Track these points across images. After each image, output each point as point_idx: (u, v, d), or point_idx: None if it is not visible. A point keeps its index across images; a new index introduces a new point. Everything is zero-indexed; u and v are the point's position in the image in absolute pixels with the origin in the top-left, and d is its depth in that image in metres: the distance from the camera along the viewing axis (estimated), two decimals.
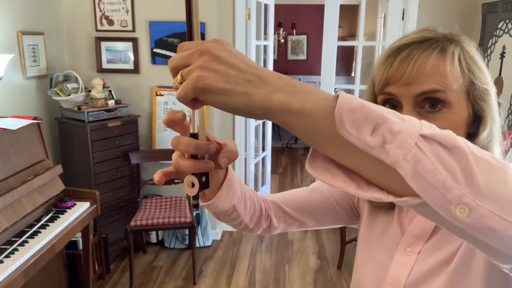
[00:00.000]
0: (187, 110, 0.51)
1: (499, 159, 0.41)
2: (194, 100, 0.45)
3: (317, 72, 5.70)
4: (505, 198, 0.38)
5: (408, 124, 0.39)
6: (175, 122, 0.52)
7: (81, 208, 2.29)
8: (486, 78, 0.68)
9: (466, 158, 0.38)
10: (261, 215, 0.82)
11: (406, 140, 0.38)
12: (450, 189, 0.37)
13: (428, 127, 0.39)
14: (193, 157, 0.51)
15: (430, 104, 0.65)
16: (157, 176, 0.54)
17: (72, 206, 2.30)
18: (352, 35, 7.36)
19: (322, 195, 0.90)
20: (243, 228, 0.80)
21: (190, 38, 0.48)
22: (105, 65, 3.24)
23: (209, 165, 0.51)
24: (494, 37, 2.76)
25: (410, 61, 0.65)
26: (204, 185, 0.52)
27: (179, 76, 0.44)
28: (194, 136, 0.50)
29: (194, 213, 3.03)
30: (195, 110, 0.49)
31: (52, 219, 2.13)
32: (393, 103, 0.69)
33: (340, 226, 0.94)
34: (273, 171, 5.32)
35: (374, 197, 0.40)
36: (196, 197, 0.52)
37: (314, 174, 0.44)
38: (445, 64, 0.64)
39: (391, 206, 0.81)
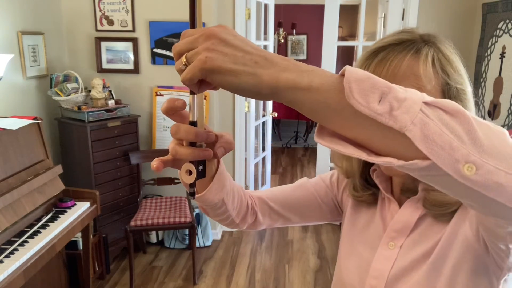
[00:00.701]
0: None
1: None
2: (199, 82, 0.46)
3: None
4: (508, 155, 0.40)
5: (411, 93, 0.42)
6: (175, 110, 0.53)
7: (81, 208, 2.29)
8: (461, 78, 0.70)
9: (468, 121, 0.40)
10: (247, 210, 0.84)
11: (411, 106, 0.40)
12: (457, 149, 0.39)
13: (429, 96, 0.42)
14: (191, 145, 0.51)
15: None
16: (155, 163, 0.55)
17: (72, 206, 2.30)
18: (352, 35, 7.37)
19: (307, 192, 0.92)
20: (229, 223, 0.81)
21: (193, 26, 0.48)
22: (105, 65, 3.24)
23: (208, 152, 0.52)
24: (494, 37, 2.76)
25: (386, 63, 0.67)
26: (201, 174, 0.53)
27: (183, 59, 0.45)
28: (193, 124, 0.51)
29: (194, 213, 3.03)
30: (195, 99, 0.50)
31: (52, 219, 2.13)
32: None
33: (324, 222, 0.96)
34: (273, 171, 5.32)
35: (385, 162, 0.42)
36: (193, 185, 0.53)
37: (325, 144, 0.45)
38: (419, 65, 0.66)
39: (373, 201, 0.84)
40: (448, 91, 0.68)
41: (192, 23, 0.48)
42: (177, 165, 0.58)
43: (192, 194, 0.56)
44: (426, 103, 0.40)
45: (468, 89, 0.70)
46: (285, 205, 0.90)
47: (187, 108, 0.53)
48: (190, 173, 0.51)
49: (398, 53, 0.67)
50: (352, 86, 0.41)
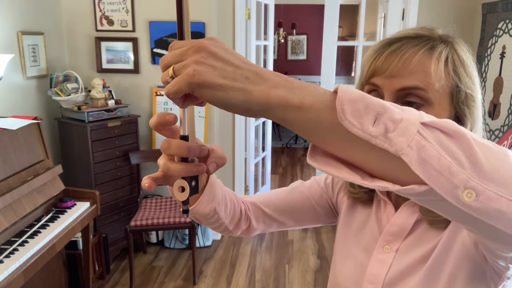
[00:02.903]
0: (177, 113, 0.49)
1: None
2: (184, 97, 0.44)
3: (317, 72, 5.70)
4: (510, 180, 0.38)
5: (408, 113, 0.39)
6: (166, 125, 0.50)
7: (81, 208, 2.29)
8: (472, 83, 0.67)
9: (468, 143, 0.38)
10: (241, 216, 0.82)
11: (408, 127, 0.38)
12: (456, 174, 0.36)
13: (427, 116, 0.39)
14: (183, 160, 0.49)
15: (410, 100, 0.65)
16: (146, 182, 0.52)
17: (72, 206, 2.30)
18: (352, 35, 7.37)
19: (301, 195, 0.90)
20: (223, 230, 0.79)
21: (181, 38, 0.46)
22: (105, 65, 3.24)
23: (201, 167, 0.50)
24: (494, 37, 2.76)
25: (398, 55, 0.65)
26: (194, 190, 0.50)
27: (170, 70, 0.43)
28: (185, 138, 0.49)
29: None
30: (185, 112, 0.48)
31: (52, 219, 2.13)
32: (377, 96, 0.68)
33: (319, 225, 0.94)
34: (273, 171, 5.31)
35: (380, 187, 0.40)
36: (186, 202, 0.50)
37: (318, 167, 0.43)
38: (430, 62, 0.64)
39: (369, 199, 0.82)
40: (456, 95, 0.66)
41: (180, 34, 0.46)
42: (168, 182, 0.55)
43: (185, 212, 0.52)
44: (423, 124, 0.38)
45: (478, 96, 0.68)
46: (279, 210, 0.88)
47: (178, 123, 0.50)
48: (183, 189, 0.49)
49: (412, 47, 0.65)
50: (345, 107, 0.38)
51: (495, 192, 0.37)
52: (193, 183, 0.50)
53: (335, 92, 0.41)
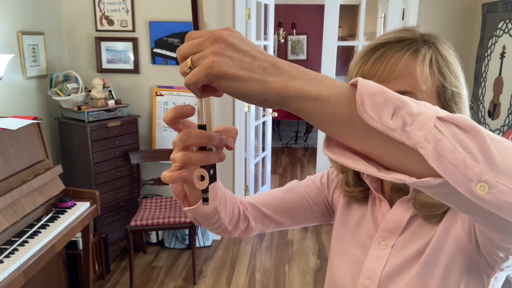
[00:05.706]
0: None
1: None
2: (203, 87, 0.45)
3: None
4: None
5: (424, 107, 0.40)
6: (183, 117, 0.51)
7: (81, 208, 2.29)
8: (458, 81, 0.69)
9: (482, 138, 0.39)
10: (239, 217, 0.83)
11: (425, 121, 0.38)
12: (470, 167, 0.37)
13: (442, 111, 0.40)
14: (201, 149, 0.50)
15: None
16: (170, 176, 0.52)
17: (72, 206, 2.30)
18: (352, 35, 7.37)
19: (298, 194, 0.91)
20: (222, 231, 0.80)
21: (197, 28, 0.47)
22: (105, 65, 3.24)
23: (222, 155, 0.50)
24: (494, 37, 2.76)
25: (383, 61, 0.67)
26: (212, 178, 0.52)
27: (188, 61, 0.43)
28: (203, 128, 0.49)
29: None
30: (203, 102, 0.49)
31: (52, 219, 2.13)
32: None
33: (316, 224, 0.96)
34: (273, 171, 5.32)
35: (396, 179, 0.41)
36: (205, 190, 0.51)
37: (334, 158, 0.44)
38: (416, 65, 0.66)
39: (364, 197, 0.84)
40: (443, 93, 0.68)
41: (196, 25, 0.47)
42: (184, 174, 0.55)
43: (205, 200, 0.53)
44: (439, 118, 0.39)
45: (464, 92, 0.70)
46: (276, 210, 0.89)
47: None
48: (202, 178, 0.49)
49: (397, 52, 0.67)
50: (365, 100, 0.39)
51: (507, 186, 0.38)
52: (211, 171, 0.51)
53: (352, 85, 0.41)
